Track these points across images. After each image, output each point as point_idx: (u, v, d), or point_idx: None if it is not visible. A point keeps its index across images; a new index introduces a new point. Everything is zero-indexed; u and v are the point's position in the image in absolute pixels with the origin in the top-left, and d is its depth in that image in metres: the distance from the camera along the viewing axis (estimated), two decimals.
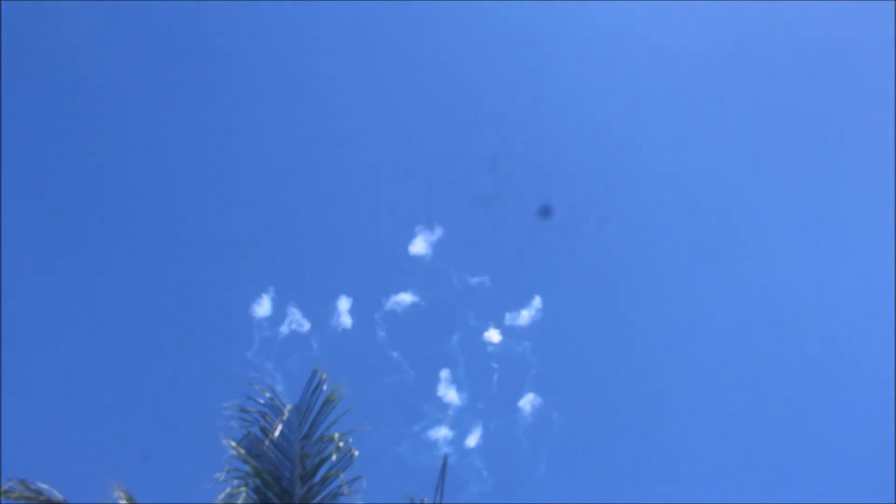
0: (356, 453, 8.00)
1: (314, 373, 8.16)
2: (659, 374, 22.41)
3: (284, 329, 19.32)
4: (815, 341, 22.33)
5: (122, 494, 7.60)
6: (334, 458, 7.96)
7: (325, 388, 8.18)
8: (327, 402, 8.08)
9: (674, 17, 22.49)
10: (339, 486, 7.83)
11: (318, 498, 7.83)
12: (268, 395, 8.20)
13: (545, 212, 19.36)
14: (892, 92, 19.36)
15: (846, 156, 22.38)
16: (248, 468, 7.87)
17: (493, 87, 23.23)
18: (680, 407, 22.22)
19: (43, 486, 6.84)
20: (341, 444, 7.94)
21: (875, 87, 21.14)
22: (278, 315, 19.73)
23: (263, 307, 19.73)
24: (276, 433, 7.97)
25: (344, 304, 19.72)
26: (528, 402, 19.64)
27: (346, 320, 19.72)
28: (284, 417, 8.07)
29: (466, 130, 22.92)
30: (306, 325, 19.68)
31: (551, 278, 22.72)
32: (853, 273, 22.16)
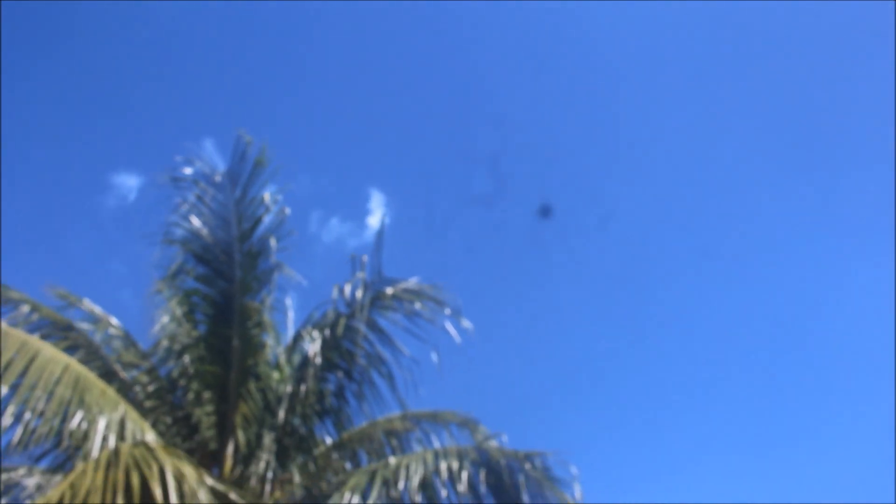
0: (288, 211, 8.42)
1: (239, 138, 8.35)
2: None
3: None
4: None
5: (59, 294, 8.22)
6: (268, 218, 8.37)
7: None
8: (257, 165, 8.34)
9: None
10: (274, 244, 8.31)
11: (257, 257, 8.30)
12: (198, 163, 8.47)
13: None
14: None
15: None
16: (185, 235, 8.35)
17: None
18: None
19: None
20: (273, 203, 8.32)
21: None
22: None
23: None
24: (209, 197, 8.33)
25: None
26: None
27: None
28: (217, 180, 8.40)
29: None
30: None
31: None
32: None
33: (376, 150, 22.69)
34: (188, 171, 8.47)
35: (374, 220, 19.60)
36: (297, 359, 8.67)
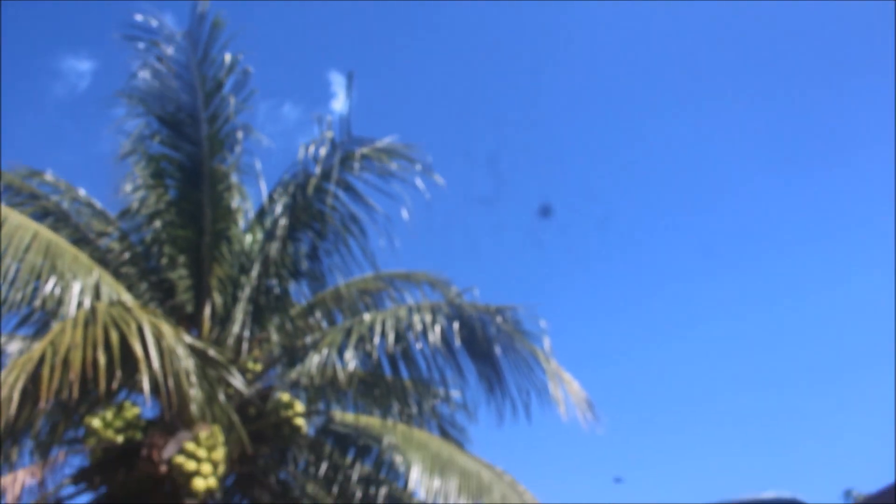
0: (251, 70, 8.28)
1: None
2: None
3: None
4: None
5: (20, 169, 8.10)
6: (231, 79, 8.23)
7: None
8: (215, 26, 8.11)
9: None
10: (240, 105, 8.21)
11: (222, 118, 8.21)
12: (155, 23, 8.22)
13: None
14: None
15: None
16: (149, 98, 8.22)
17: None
18: None
19: None
20: (235, 64, 8.16)
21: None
22: None
23: None
24: (170, 59, 8.14)
25: None
26: None
27: None
28: (177, 42, 8.18)
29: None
30: None
31: None
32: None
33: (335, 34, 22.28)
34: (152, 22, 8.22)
35: (338, 104, 19.41)
36: (268, 221, 8.72)
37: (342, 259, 8.46)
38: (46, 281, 6.73)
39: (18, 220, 7.06)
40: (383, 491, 8.09)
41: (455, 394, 8.87)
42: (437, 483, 7.25)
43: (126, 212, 8.88)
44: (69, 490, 7.62)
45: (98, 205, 9.12)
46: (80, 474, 7.49)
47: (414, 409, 8.68)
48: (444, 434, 8.90)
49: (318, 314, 9.03)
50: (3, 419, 5.15)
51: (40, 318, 7.83)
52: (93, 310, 6.01)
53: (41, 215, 8.33)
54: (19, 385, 5.26)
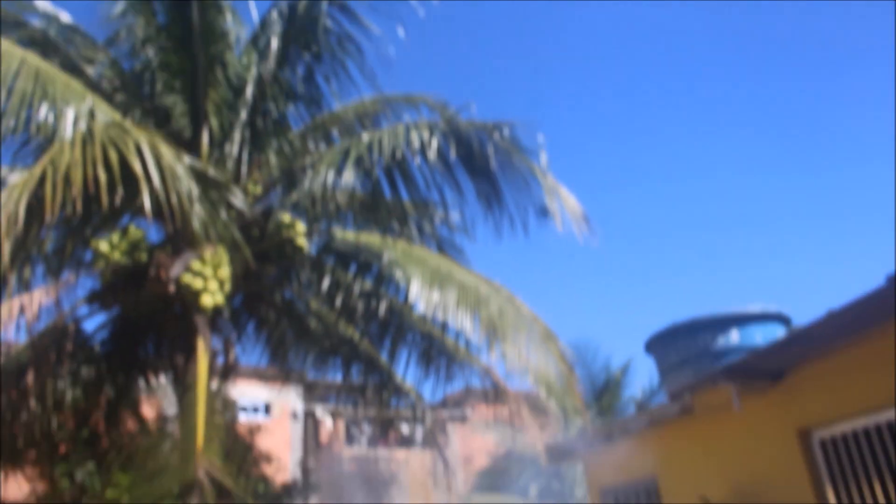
0: None
1: None
2: None
3: None
4: None
5: None
6: None
7: None
8: None
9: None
10: None
11: None
12: None
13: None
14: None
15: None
16: None
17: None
18: None
19: None
20: None
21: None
22: None
23: None
24: None
25: None
26: None
27: None
28: None
29: None
30: None
31: None
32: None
33: None
34: None
35: None
36: (262, 43, 8.55)
37: (339, 81, 8.38)
38: (39, 108, 6.65)
39: (4, 47, 6.90)
40: (384, 304, 8.38)
41: (454, 215, 9.02)
42: (436, 296, 7.44)
43: (114, 39, 8.69)
44: (84, 311, 7.93)
45: (85, 31, 8.91)
46: (93, 295, 7.76)
47: (413, 231, 8.84)
48: (443, 253, 9.10)
49: (316, 137, 9.02)
50: (11, 235, 5.28)
51: (38, 148, 7.86)
52: (90, 130, 6.01)
53: (28, 43, 8.14)
54: (23, 202, 5.35)
